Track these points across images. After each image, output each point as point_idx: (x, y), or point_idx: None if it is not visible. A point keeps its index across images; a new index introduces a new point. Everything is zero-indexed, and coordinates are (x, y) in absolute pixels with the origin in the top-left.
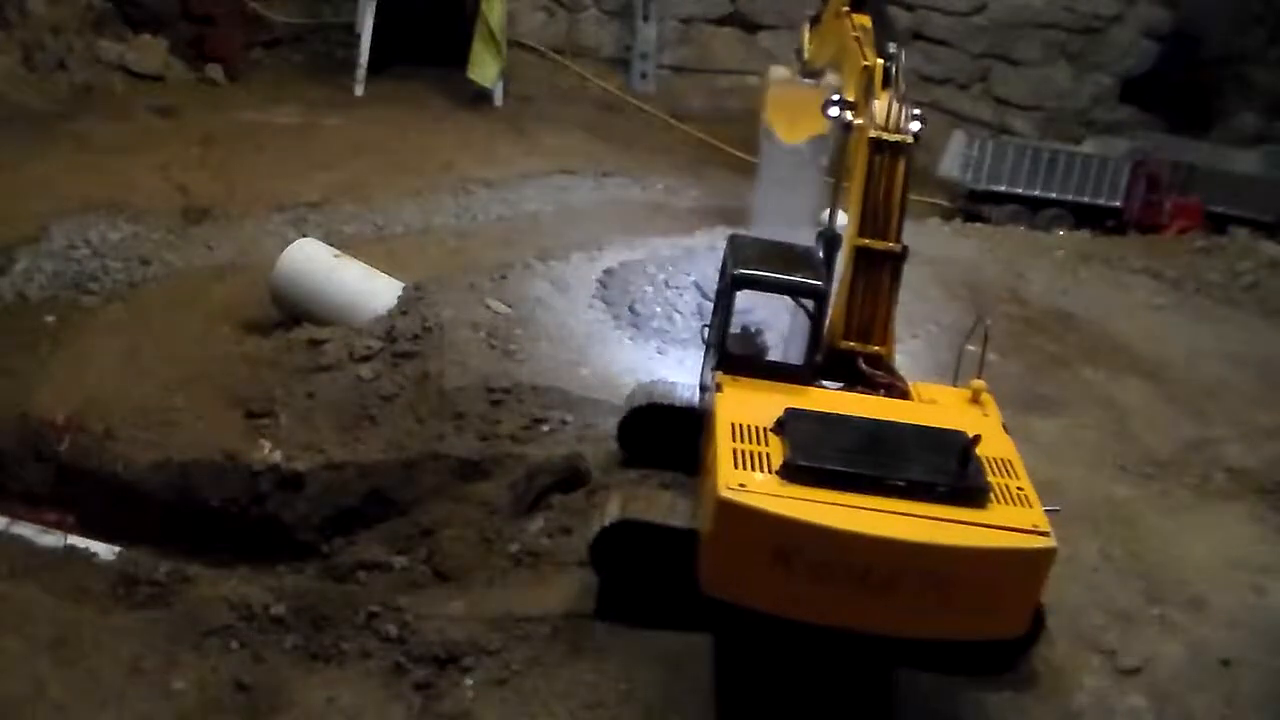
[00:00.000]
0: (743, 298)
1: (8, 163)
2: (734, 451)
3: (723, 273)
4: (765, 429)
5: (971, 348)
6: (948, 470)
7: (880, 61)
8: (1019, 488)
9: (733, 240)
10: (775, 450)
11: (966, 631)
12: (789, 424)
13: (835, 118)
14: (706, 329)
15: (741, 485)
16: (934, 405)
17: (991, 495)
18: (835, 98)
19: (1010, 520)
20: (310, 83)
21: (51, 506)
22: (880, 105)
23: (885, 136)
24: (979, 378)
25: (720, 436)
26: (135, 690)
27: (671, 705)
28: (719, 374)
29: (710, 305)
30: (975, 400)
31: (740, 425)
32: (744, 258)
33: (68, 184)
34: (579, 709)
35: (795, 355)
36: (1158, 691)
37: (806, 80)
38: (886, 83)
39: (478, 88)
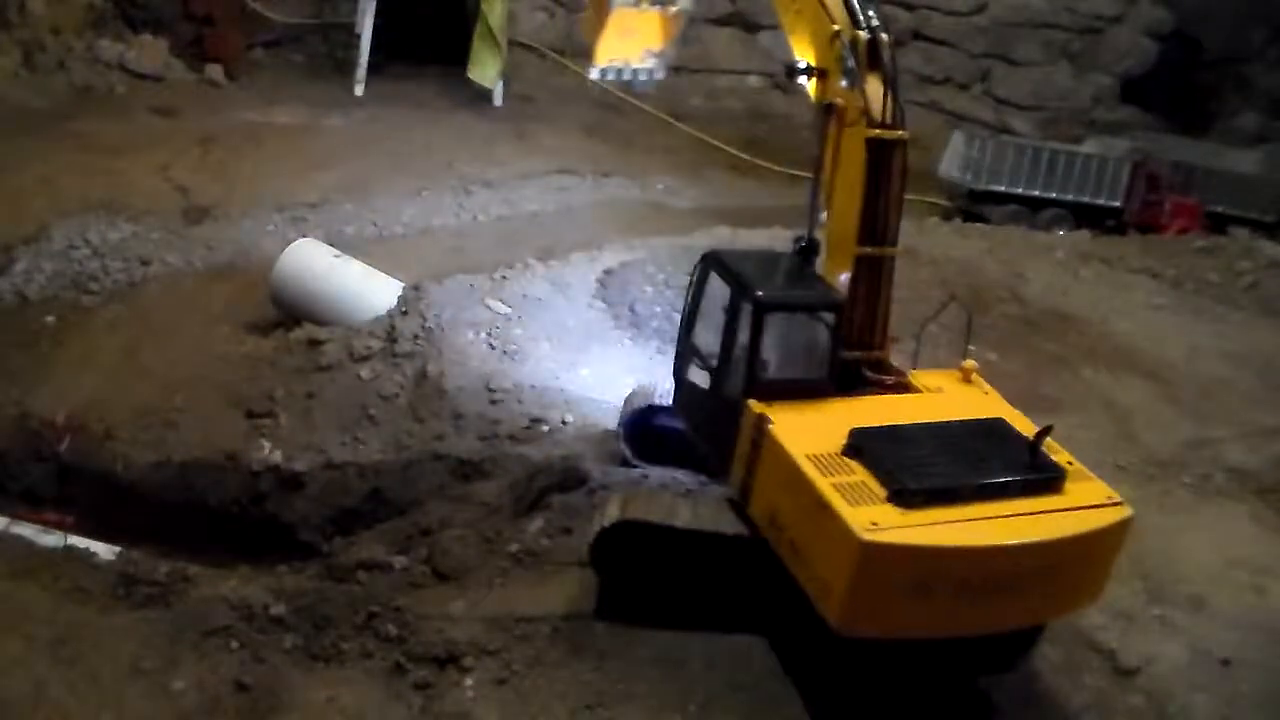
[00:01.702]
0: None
1: (8, 163)
2: (835, 487)
3: (698, 291)
4: (836, 454)
5: (966, 344)
6: (1026, 463)
7: (863, 34)
8: (1069, 462)
9: (716, 261)
10: (863, 475)
11: (1064, 610)
12: (863, 447)
13: (803, 87)
14: (682, 341)
15: (874, 524)
16: (947, 394)
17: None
18: (802, 65)
19: (1090, 498)
20: (310, 83)
21: (51, 506)
22: (874, 93)
23: (884, 136)
24: (967, 359)
25: (811, 474)
26: (135, 690)
27: (671, 705)
28: (753, 403)
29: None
30: (968, 380)
31: (815, 456)
32: (753, 278)
33: (68, 184)
34: (579, 709)
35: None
36: (1158, 691)
37: (653, 6)
38: (873, 61)
39: (478, 88)
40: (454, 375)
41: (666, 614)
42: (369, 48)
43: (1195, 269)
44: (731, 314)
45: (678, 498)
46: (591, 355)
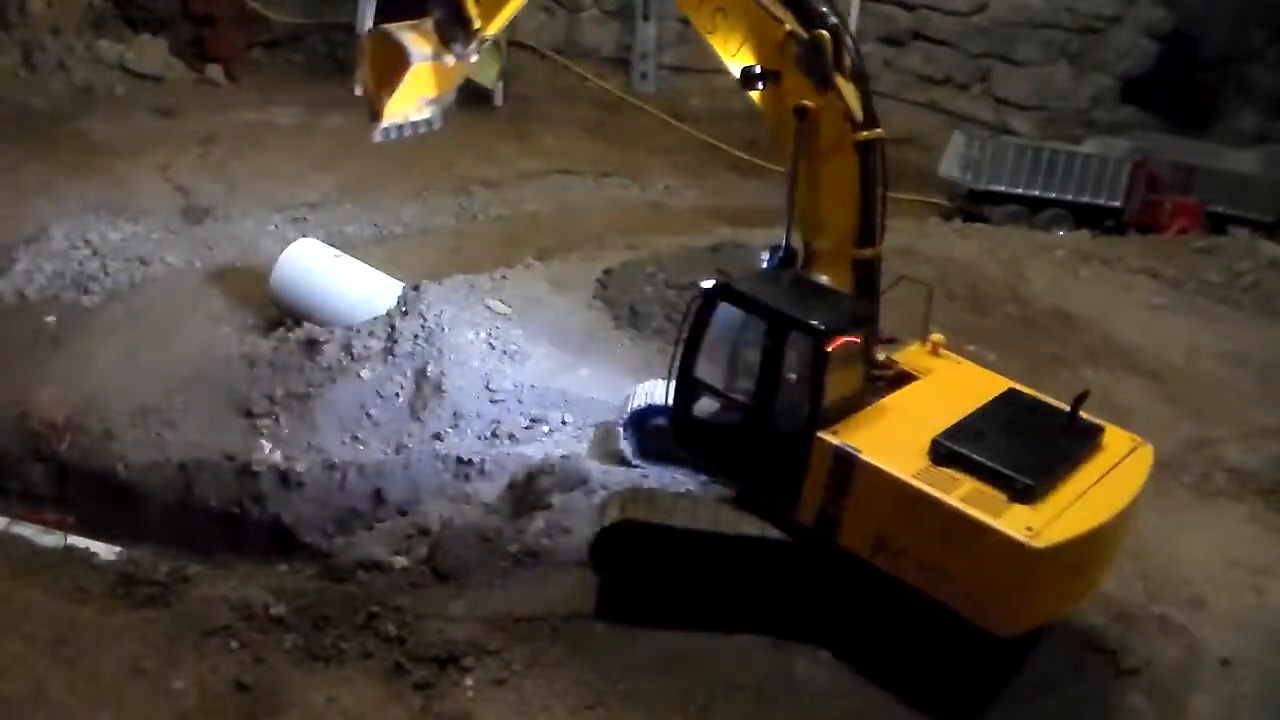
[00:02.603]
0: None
1: (8, 163)
2: (967, 501)
3: (699, 324)
4: (932, 466)
5: (927, 318)
6: (1073, 430)
7: (825, 33)
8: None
9: (731, 294)
10: (972, 482)
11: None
12: (951, 453)
13: (760, 93)
14: (684, 377)
15: (1030, 529)
16: (940, 372)
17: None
18: (757, 70)
19: (1124, 445)
20: (310, 83)
21: (51, 506)
22: (850, 94)
23: (868, 137)
24: (934, 334)
25: (938, 494)
26: (135, 690)
27: (671, 705)
28: (825, 434)
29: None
30: (937, 353)
31: (919, 473)
32: (796, 309)
33: (68, 184)
34: (579, 709)
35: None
36: (1158, 691)
37: (451, 59)
38: (838, 60)
39: (478, 88)
40: (454, 375)
41: (666, 614)
42: None
43: (1195, 269)
44: (773, 348)
45: (678, 498)
46: (591, 355)
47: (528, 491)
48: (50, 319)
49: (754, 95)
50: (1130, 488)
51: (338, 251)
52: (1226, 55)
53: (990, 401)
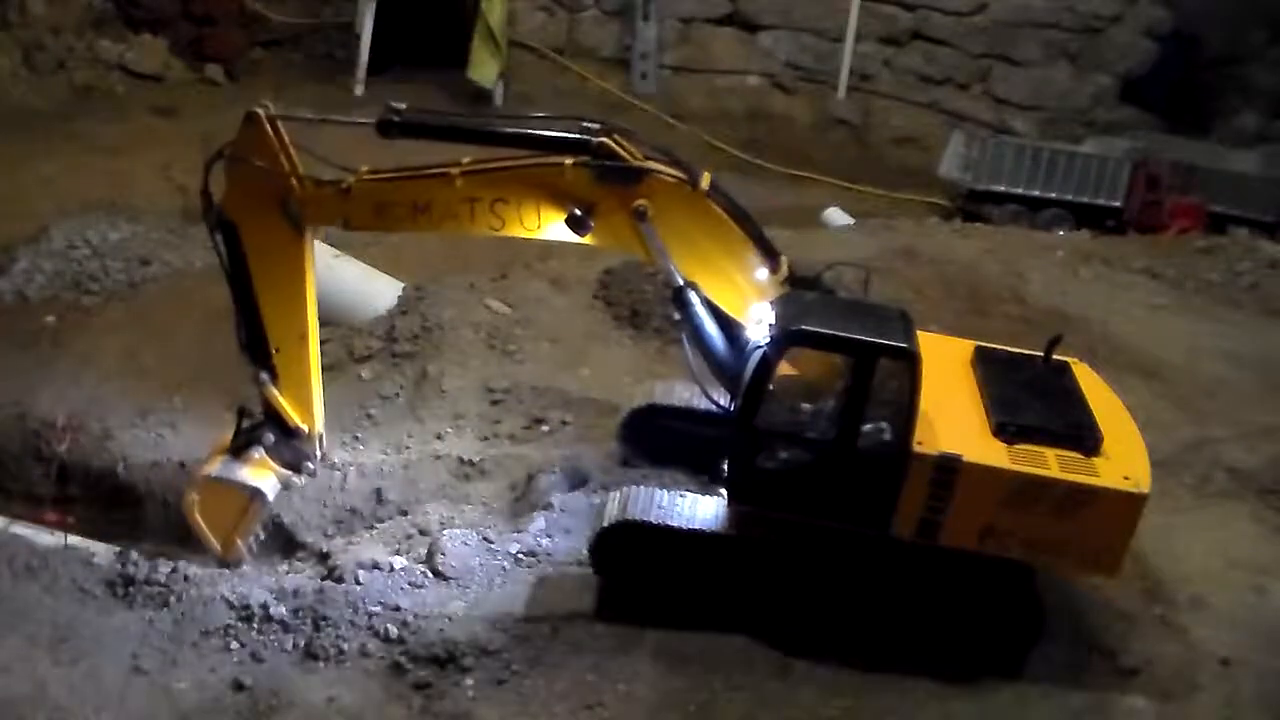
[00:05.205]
0: None
1: (8, 163)
2: (1066, 471)
3: (764, 375)
4: (1009, 449)
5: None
6: (1055, 371)
7: (606, 140)
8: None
9: (808, 336)
10: (1048, 451)
11: None
12: (1019, 430)
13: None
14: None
15: (1127, 479)
16: None
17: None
18: (579, 213)
19: (1075, 368)
20: (310, 83)
21: (51, 506)
22: (662, 166)
23: (708, 182)
24: None
25: (1041, 472)
26: (135, 690)
27: (671, 705)
28: (921, 448)
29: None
30: None
31: (1013, 458)
32: (877, 334)
33: (68, 184)
34: (579, 709)
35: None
36: (1158, 691)
37: (303, 479)
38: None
39: (478, 88)
40: (454, 375)
41: (666, 614)
42: (369, 48)
43: (1195, 269)
44: (861, 378)
45: (678, 498)
46: (591, 355)
47: (528, 491)
48: (50, 319)
49: (588, 240)
50: (1112, 397)
51: (338, 251)
52: (1226, 55)
53: (982, 365)
